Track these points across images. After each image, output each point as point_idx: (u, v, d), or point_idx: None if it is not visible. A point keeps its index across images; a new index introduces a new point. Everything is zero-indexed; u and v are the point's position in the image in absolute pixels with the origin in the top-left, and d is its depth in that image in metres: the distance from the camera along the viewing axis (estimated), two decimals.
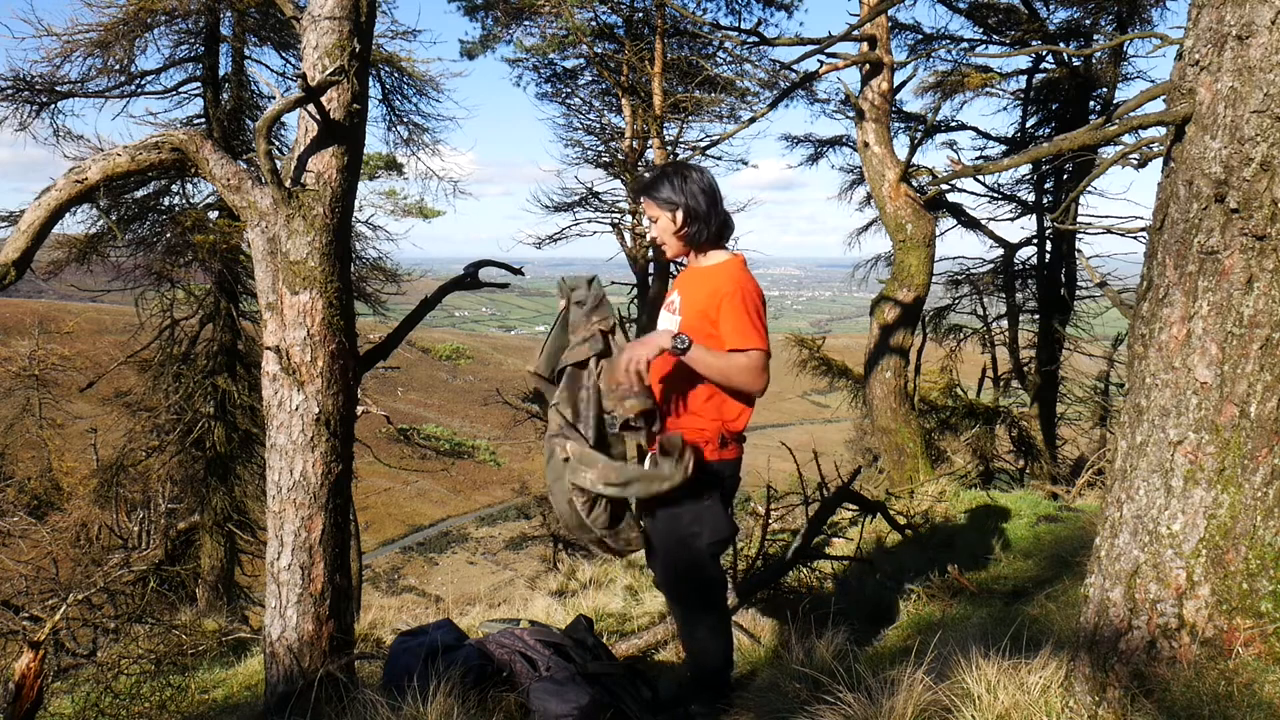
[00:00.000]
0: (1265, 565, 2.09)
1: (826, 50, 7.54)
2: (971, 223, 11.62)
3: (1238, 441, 2.10)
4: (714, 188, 3.01)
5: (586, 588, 8.90)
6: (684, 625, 3.18)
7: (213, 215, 10.64)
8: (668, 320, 3.04)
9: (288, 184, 3.39)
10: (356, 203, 3.68)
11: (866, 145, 8.24)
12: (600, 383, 2.98)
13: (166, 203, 10.83)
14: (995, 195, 13.09)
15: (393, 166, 13.32)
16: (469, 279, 3.96)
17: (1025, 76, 12.48)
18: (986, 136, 13.10)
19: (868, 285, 12.23)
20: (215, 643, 7.03)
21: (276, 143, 6.47)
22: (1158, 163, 2.39)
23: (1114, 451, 2.36)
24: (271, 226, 3.37)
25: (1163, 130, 2.29)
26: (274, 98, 3.36)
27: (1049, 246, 12.70)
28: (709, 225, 2.97)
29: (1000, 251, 12.68)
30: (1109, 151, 5.33)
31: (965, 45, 12.23)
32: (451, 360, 18.40)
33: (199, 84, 10.70)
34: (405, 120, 12.00)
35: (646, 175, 3.11)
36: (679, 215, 2.96)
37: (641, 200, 3.07)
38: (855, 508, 5.33)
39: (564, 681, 3.15)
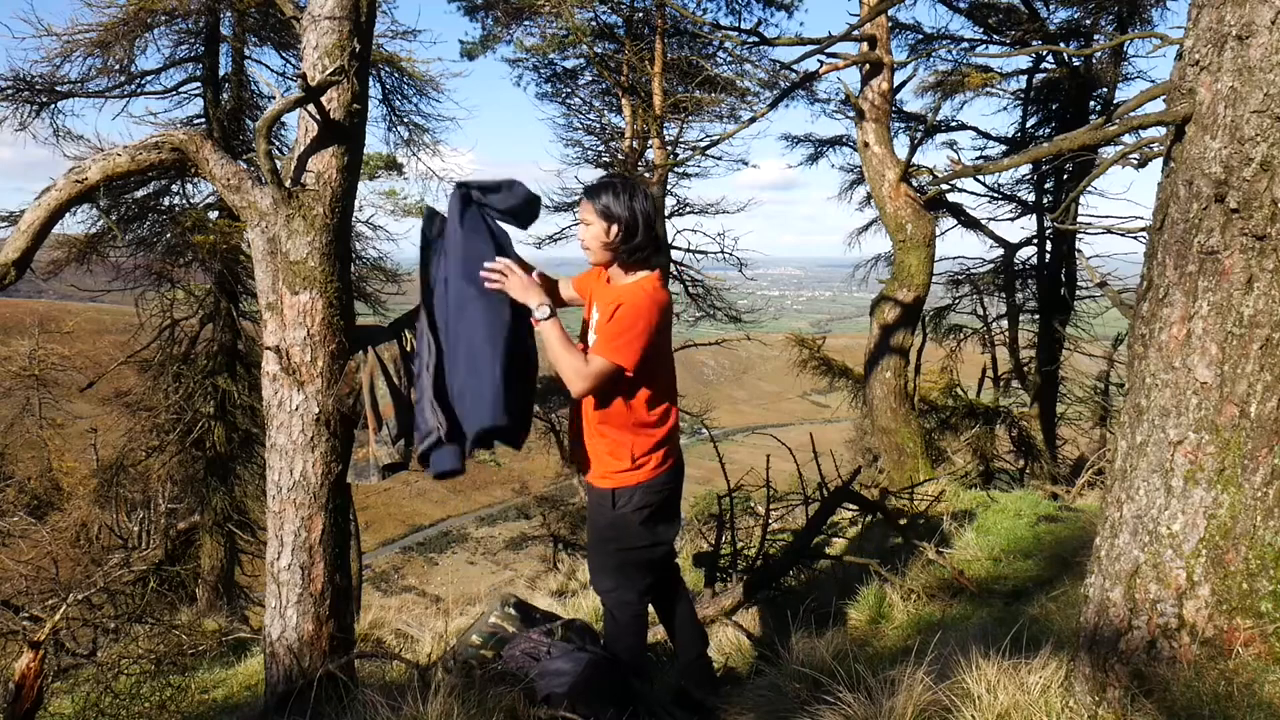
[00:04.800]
0: (1265, 565, 2.09)
1: (826, 50, 7.54)
2: (971, 223, 11.61)
3: (1238, 441, 2.09)
4: (653, 214, 3.03)
5: (587, 588, 8.89)
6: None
7: (213, 215, 10.63)
8: (591, 338, 3.07)
9: (288, 184, 3.38)
10: (356, 203, 3.67)
11: (866, 145, 8.23)
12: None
13: (166, 203, 10.81)
14: (995, 195, 13.10)
15: (393, 166, 13.31)
16: None
17: (1025, 76, 12.49)
18: (986, 136, 13.11)
19: (868, 285, 12.23)
20: (215, 643, 7.02)
21: (276, 143, 6.45)
22: (1158, 163, 2.39)
23: (1114, 451, 2.36)
24: (271, 226, 3.37)
25: (1163, 130, 2.29)
26: (274, 98, 3.36)
27: (1049, 246, 12.70)
28: (638, 248, 3.00)
29: (1000, 251, 12.68)
30: (1109, 151, 5.33)
31: (965, 45, 12.24)
32: None
33: (199, 84, 10.69)
34: (405, 120, 11.98)
35: (596, 179, 3.14)
36: (613, 229, 2.98)
37: (582, 201, 3.07)
38: (855, 508, 5.33)
39: (561, 655, 3.19)
